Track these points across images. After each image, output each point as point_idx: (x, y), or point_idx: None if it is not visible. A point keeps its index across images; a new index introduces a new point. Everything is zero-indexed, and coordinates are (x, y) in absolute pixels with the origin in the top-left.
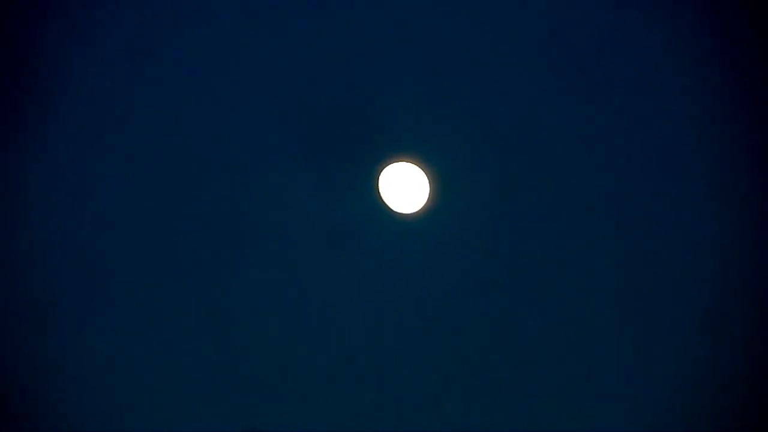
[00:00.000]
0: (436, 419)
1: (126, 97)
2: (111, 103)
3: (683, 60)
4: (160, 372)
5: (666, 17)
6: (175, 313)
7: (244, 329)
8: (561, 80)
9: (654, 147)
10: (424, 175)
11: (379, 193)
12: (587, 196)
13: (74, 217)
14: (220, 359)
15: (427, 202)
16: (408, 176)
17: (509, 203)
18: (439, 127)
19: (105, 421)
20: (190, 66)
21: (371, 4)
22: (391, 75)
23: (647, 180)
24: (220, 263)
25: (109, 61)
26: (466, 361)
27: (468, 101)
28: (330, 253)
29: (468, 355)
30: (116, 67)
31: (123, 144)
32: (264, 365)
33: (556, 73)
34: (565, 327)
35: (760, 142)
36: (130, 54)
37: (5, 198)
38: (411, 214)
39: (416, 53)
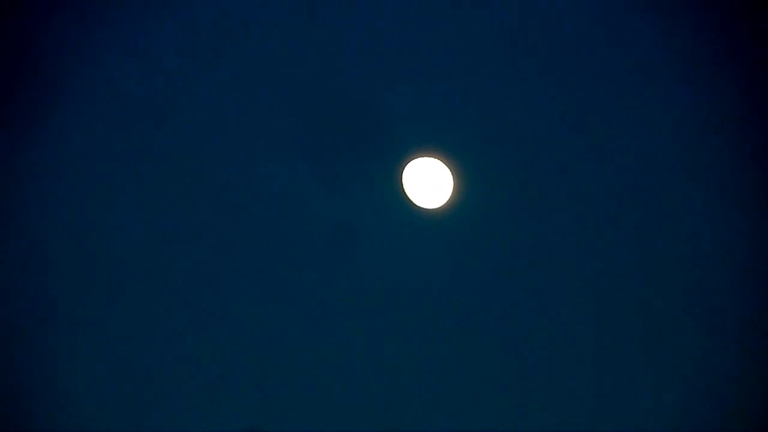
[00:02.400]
0: (455, 417)
1: (130, 97)
2: (113, 103)
3: (693, 61)
4: (161, 372)
5: (677, 18)
6: (177, 313)
7: (257, 328)
8: (583, 78)
9: (669, 148)
10: (448, 170)
11: (402, 188)
12: (609, 190)
13: (74, 217)
14: (222, 360)
15: (450, 197)
16: (432, 171)
17: (533, 197)
18: (463, 122)
19: (105, 421)
20: (215, 65)
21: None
22: (416, 71)
23: (666, 181)
24: (236, 261)
25: (111, 61)
26: (491, 356)
27: (491, 97)
28: (354, 248)
29: (493, 350)
30: (119, 67)
31: (128, 144)
32: (276, 364)
33: (577, 71)
34: (582, 322)
35: (760, 143)
36: (134, 54)
37: (5, 198)
38: (435, 209)
39: (442, 49)
